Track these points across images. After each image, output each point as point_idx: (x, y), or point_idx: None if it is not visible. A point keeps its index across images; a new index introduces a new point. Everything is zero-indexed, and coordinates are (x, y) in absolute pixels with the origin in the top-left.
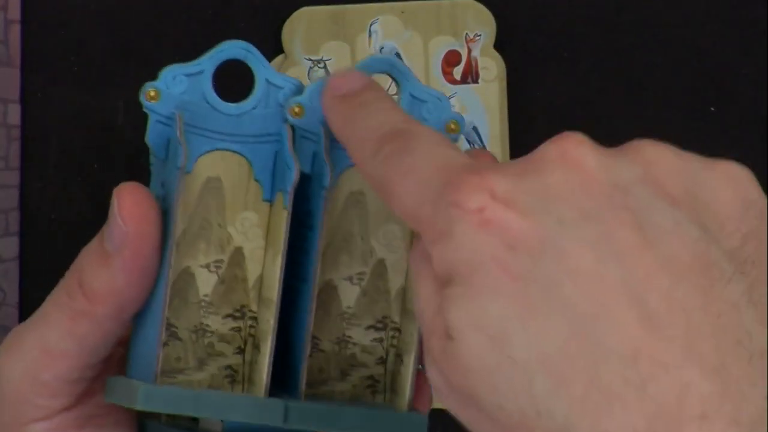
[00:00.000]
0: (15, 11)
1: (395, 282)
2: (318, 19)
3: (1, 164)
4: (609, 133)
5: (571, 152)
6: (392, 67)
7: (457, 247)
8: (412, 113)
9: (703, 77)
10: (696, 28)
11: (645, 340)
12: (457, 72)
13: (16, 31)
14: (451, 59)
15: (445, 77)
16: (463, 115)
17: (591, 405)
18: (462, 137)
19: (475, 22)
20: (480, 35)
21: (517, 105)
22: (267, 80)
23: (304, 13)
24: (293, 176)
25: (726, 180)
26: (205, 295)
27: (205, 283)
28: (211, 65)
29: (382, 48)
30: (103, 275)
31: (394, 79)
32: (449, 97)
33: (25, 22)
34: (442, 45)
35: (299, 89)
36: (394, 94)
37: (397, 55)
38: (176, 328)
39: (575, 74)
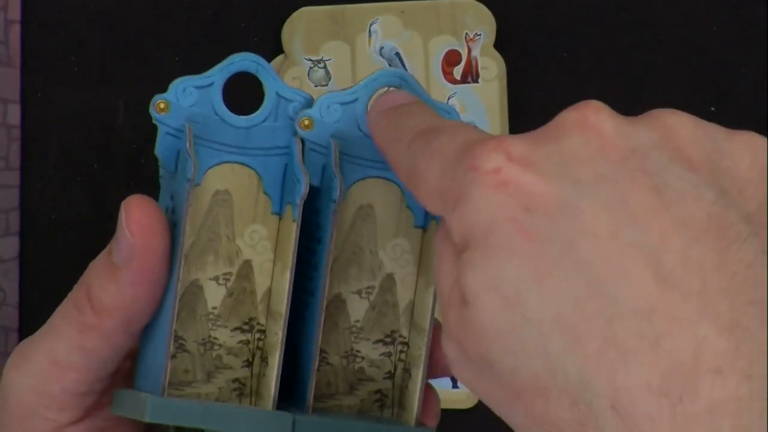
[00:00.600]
0: (15, 11)
1: (404, 296)
2: (318, 19)
3: (1, 164)
4: None
5: (590, 118)
6: (401, 79)
7: (474, 209)
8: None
9: (703, 77)
10: (696, 28)
11: (660, 297)
12: (457, 72)
13: (16, 31)
14: (451, 59)
15: (445, 77)
16: (464, 114)
17: (606, 361)
18: None
19: (475, 21)
20: (480, 35)
21: (517, 105)
22: (277, 93)
23: (304, 13)
24: (302, 189)
25: (745, 147)
26: (214, 308)
27: (214, 295)
28: (222, 78)
29: (382, 48)
30: (111, 288)
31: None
32: (449, 97)
33: (25, 22)
34: (442, 45)
35: (309, 102)
36: None
37: (397, 55)
38: (184, 340)
39: (575, 74)
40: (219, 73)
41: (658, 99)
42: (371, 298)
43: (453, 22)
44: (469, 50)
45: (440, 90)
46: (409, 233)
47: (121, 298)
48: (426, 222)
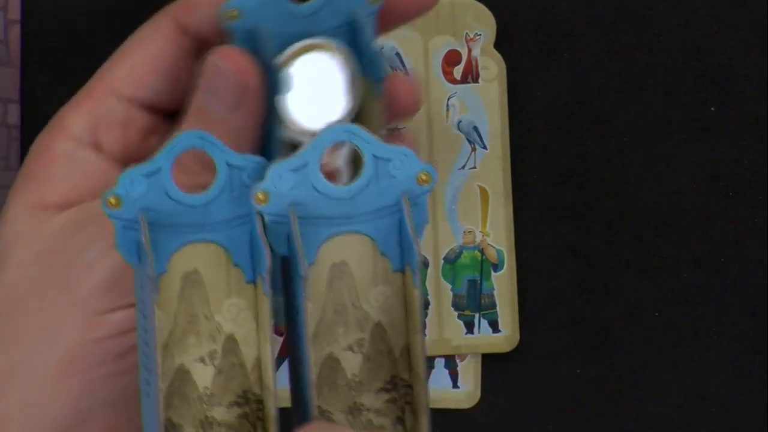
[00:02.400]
0: (15, 11)
1: (397, 341)
2: None
3: (1, 164)
4: (609, 133)
5: None
6: (350, 134)
7: None
8: (378, 174)
9: (703, 77)
10: (696, 28)
11: None
12: (458, 72)
13: (16, 31)
14: (451, 59)
15: (445, 77)
16: (464, 114)
17: None
18: (462, 136)
19: (475, 21)
20: (480, 35)
21: (517, 104)
22: (228, 164)
23: None
24: (266, 263)
25: None
26: (205, 388)
27: (203, 376)
28: (168, 161)
29: (382, 48)
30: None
31: (353, 145)
32: (450, 97)
33: (25, 22)
34: (442, 44)
35: (261, 167)
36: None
37: (397, 54)
38: (181, 426)
39: (575, 74)
40: (165, 157)
41: (658, 99)
42: (364, 350)
43: (453, 22)
44: (470, 50)
45: (440, 90)
46: (390, 279)
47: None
48: (403, 265)
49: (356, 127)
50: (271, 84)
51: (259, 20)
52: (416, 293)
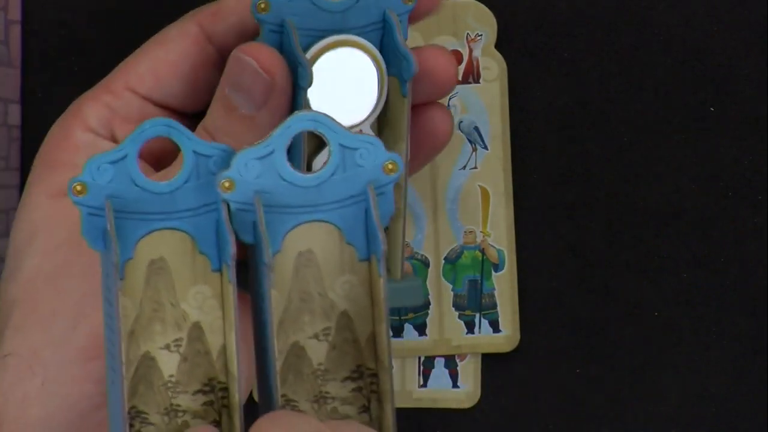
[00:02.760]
0: (15, 11)
1: (363, 330)
2: None
3: (1, 164)
4: (609, 133)
5: None
6: (315, 122)
7: None
8: (345, 163)
9: (703, 77)
10: (696, 28)
11: None
12: (459, 72)
13: (16, 31)
14: None
15: None
16: (465, 114)
17: None
18: (463, 136)
19: (476, 22)
20: (481, 35)
21: (518, 105)
22: (194, 152)
23: None
24: (230, 250)
25: None
26: (171, 376)
27: (168, 363)
28: (134, 148)
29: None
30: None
31: (320, 134)
32: (450, 97)
33: (25, 22)
34: (443, 45)
35: (228, 155)
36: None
37: None
38: (146, 414)
39: (575, 74)
40: (131, 144)
41: (658, 99)
42: (330, 338)
43: (454, 23)
44: (470, 50)
45: None
46: (356, 268)
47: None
48: (368, 254)
49: (322, 116)
50: (299, 78)
51: (288, 13)
52: (381, 282)
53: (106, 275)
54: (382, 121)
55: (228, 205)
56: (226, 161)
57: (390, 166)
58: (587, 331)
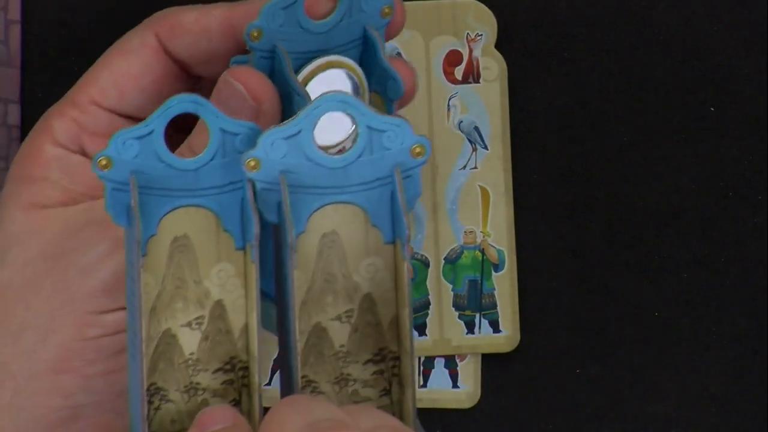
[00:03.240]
0: (15, 11)
1: (386, 313)
2: None
3: (1, 164)
4: (609, 133)
5: None
6: (344, 104)
7: None
8: (372, 145)
9: (703, 77)
10: (696, 28)
11: None
12: (459, 72)
13: (16, 31)
14: (452, 59)
15: (446, 77)
16: (465, 114)
17: None
18: (463, 136)
19: (476, 21)
20: (481, 35)
21: (518, 105)
22: (221, 129)
23: None
24: (254, 230)
25: None
26: (191, 354)
27: (189, 341)
28: (161, 124)
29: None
30: None
31: (348, 115)
32: (450, 97)
33: (25, 22)
34: (443, 45)
35: (255, 133)
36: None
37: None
38: (166, 391)
39: (575, 74)
40: (158, 120)
41: (658, 99)
42: (352, 321)
43: (454, 23)
44: (471, 50)
45: (441, 90)
46: (381, 251)
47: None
48: (394, 237)
49: (350, 98)
50: (294, 104)
51: (279, 39)
52: (405, 266)
53: (129, 251)
54: None
55: (253, 185)
56: (252, 140)
57: (417, 150)
58: (587, 331)
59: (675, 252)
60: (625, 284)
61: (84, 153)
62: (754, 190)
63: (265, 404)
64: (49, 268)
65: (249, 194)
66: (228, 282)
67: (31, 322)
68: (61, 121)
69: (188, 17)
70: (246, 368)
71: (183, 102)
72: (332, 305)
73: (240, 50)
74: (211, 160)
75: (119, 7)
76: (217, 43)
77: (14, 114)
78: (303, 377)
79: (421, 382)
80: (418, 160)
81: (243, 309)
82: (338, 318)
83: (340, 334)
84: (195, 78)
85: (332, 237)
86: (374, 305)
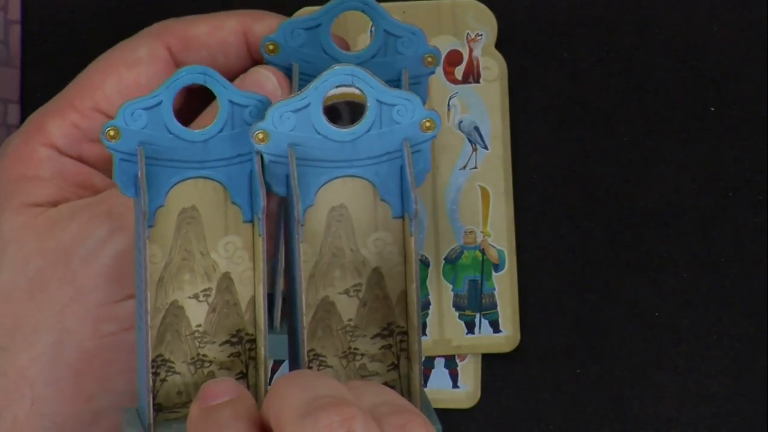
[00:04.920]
0: (15, 11)
1: (394, 288)
2: None
3: None
4: (609, 133)
5: None
6: (353, 77)
7: None
8: (382, 118)
9: (703, 77)
10: (696, 28)
11: None
12: (459, 72)
13: (16, 31)
14: (452, 59)
15: (446, 77)
16: (465, 114)
17: None
18: (463, 136)
19: (477, 21)
20: (481, 35)
21: (518, 105)
22: (230, 101)
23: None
24: (260, 203)
25: None
26: (198, 326)
27: (196, 313)
28: (169, 95)
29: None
30: None
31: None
32: (451, 97)
33: (25, 22)
34: (443, 45)
35: (264, 106)
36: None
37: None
38: (173, 363)
39: (575, 74)
40: (166, 91)
41: (659, 99)
42: (361, 295)
43: (454, 22)
44: (471, 50)
45: (441, 90)
46: (390, 225)
47: None
48: (403, 212)
49: (360, 70)
50: None
51: (297, 59)
52: (413, 241)
53: (136, 222)
54: None
55: (261, 157)
56: (261, 112)
57: (427, 124)
58: (587, 331)
59: (675, 252)
60: (625, 284)
61: (81, 159)
62: (754, 190)
63: None
64: (51, 263)
65: (257, 167)
66: (235, 254)
67: (43, 324)
68: (60, 125)
69: (200, 30)
70: (253, 341)
71: (192, 73)
72: (340, 279)
73: (255, 63)
74: (220, 131)
75: (119, 7)
76: (234, 58)
77: (14, 114)
78: (310, 351)
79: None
80: (428, 134)
81: (250, 282)
82: (346, 292)
83: (348, 308)
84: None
85: (341, 211)
86: (382, 279)
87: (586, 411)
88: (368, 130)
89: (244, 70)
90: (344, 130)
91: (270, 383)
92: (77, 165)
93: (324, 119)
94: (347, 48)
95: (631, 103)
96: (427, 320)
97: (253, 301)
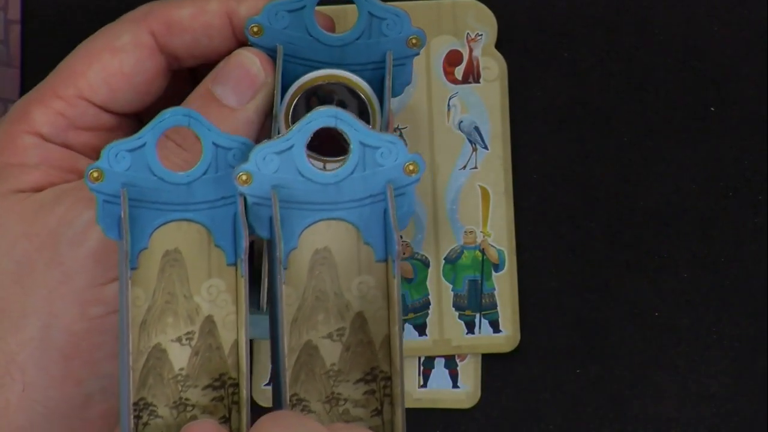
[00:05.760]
0: (15, 11)
1: (378, 332)
2: None
3: None
4: (609, 133)
5: None
6: (336, 119)
7: None
8: (365, 161)
9: (703, 77)
10: (696, 28)
11: None
12: (459, 72)
13: (16, 31)
14: (452, 59)
15: (446, 77)
16: (465, 114)
17: None
18: (463, 136)
19: (477, 21)
20: (481, 35)
21: (518, 105)
22: (214, 143)
23: None
24: (243, 245)
25: None
26: (181, 369)
27: (179, 357)
28: (154, 137)
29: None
30: (230, 124)
31: (340, 131)
32: (450, 97)
33: (25, 22)
34: (443, 45)
35: (248, 149)
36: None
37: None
38: (155, 406)
39: (575, 74)
40: (150, 132)
41: (659, 99)
42: (344, 339)
43: (454, 22)
44: (471, 50)
45: (441, 90)
46: (373, 269)
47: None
48: (386, 255)
49: (343, 113)
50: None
51: (281, 41)
52: (396, 283)
53: (120, 264)
54: None
55: (245, 199)
56: (245, 155)
57: (411, 167)
58: (587, 331)
59: (675, 252)
60: (625, 284)
61: (66, 146)
62: (754, 190)
63: (266, 404)
64: (37, 246)
65: (240, 208)
66: (218, 298)
67: (31, 308)
68: (44, 112)
69: (184, 13)
70: (236, 385)
71: (176, 115)
72: (324, 323)
73: (240, 45)
74: (204, 174)
75: (119, 7)
76: (218, 41)
77: None
78: (293, 395)
79: (422, 382)
80: (412, 177)
81: (233, 325)
82: (329, 336)
83: (331, 352)
84: (187, 70)
85: (324, 254)
86: (366, 324)
87: (586, 411)
88: (352, 173)
89: (230, 51)
90: (327, 172)
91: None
92: (63, 151)
93: (308, 161)
94: (333, 27)
95: (631, 103)
96: (427, 320)
97: (236, 344)
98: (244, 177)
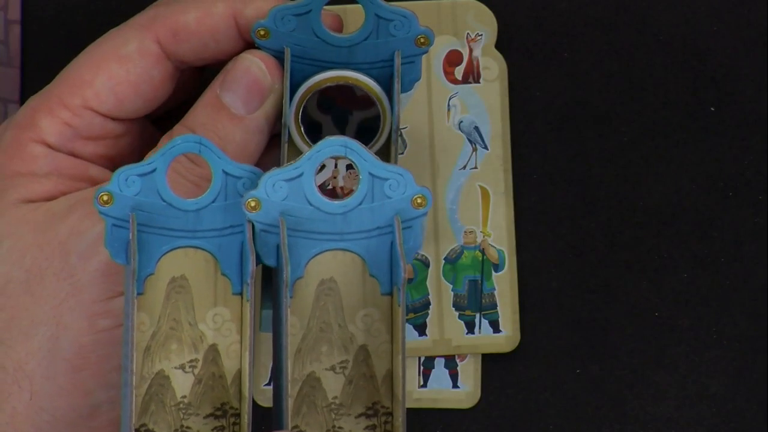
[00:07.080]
0: (15, 11)
1: (381, 366)
2: None
3: None
4: (609, 133)
5: None
6: (346, 148)
7: None
8: (374, 192)
9: (703, 77)
10: (696, 28)
11: None
12: (459, 72)
13: (16, 31)
14: (452, 59)
15: (446, 77)
16: (465, 114)
17: None
18: (463, 136)
19: (477, 21)
20: (481, 35)
21: (518, 105)
22: (224, 171)
23: None
24: (249, 269)
25: None
26: (183, 397)
27: (182, 384)
28: (164, 163)
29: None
30: (237, 136)
31: (350, 161)
32: (450, 97)
33: (25, 22)
34: (443, 45)
35: (257, 178)
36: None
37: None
38: None
39: (575, 74)
40: (161, 158)
41: (658, 99)
42: (347, 372)
43: (454, 22)
44: (471, 50)
45: (441, 90)
46: (378, 302)
47: (246, 144)
48: (392, 288)
49: (353, 142)
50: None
51: (289, 43)
52: (400, 311)
53: (126, 288)
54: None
55: (252, 226)
56: (255, 183)
57: (419, 200)
58: (587, 331)
59: (675, 252)
60: (625, 284)
61: (74, 155)
62: (754, 190)
63: (266, 404)
64: (48, 255)
65: (248, 234)
66: (223, 326)
67: (41, 317)
68: (51, 122)
69: (189, 18)
70: (237, 415)
71: (187, 142)
72: (327, 355)
73: (247, 46)
74: (213, 202)
75: (119, 7)
76: (225, 43)
77: (13, 114)
78: (294, 427)
79: (422, 382)
80: (419, 210)
81: (237, 355)
82: (332, 368)
83: (333, 385)
84: (194, 70)
85: (330, 284)
86: (369, 357)
87: (586, 411)
88: (360, 204)
89: (237, 53)
90: (335, 202)
91: None
92: (72, 159)
93: (316, 190)
94: (341, 25)
95: (631, 103)
96: (427, 320)
97: (239, 374)
98: (252, 203)
